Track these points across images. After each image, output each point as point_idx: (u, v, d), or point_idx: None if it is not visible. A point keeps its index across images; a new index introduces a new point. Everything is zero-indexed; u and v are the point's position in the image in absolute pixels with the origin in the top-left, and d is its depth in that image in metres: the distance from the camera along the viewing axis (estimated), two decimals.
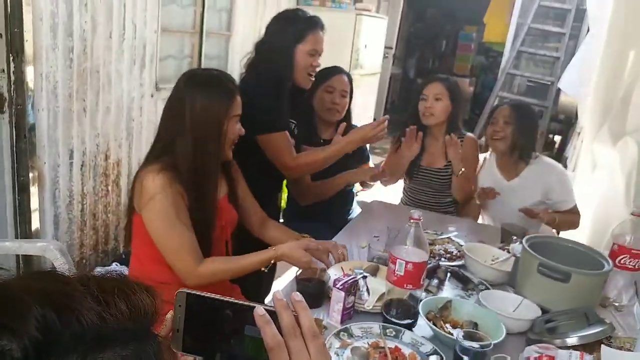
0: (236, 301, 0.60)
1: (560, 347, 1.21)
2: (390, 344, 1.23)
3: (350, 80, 2.34)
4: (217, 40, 3.72)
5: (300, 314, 0.58)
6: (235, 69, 3.86)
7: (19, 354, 0.38)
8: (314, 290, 1.42)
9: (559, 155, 5.67)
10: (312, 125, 2.26)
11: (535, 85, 6.46)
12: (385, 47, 5.82)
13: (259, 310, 0.57)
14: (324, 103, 2.24)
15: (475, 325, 1.32)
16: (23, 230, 2.52)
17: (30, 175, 2.46)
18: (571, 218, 2.22)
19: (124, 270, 1.67)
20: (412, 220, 1.32)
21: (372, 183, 2.28)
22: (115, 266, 2.86)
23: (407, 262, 1.30)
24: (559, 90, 5.39)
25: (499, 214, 2.25)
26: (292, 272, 1.51)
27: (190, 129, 1.41)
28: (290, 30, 1.86)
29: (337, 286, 1.32)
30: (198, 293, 0.60)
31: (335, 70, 2.27)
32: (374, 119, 5.36)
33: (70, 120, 2.58)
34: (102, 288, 0.45)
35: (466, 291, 1.60)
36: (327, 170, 2.09)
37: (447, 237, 1.97)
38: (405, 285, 1.32)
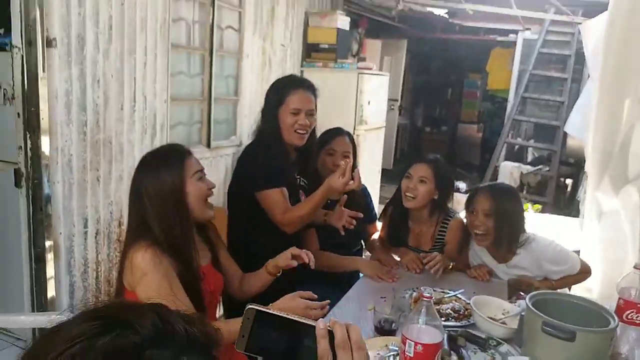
0: (298, 319, 0.75)
1: None
2: None
3: (352, 140, 2.39)
4: (225, 105, 3.86)
5: (350, 330, 0.76)
6: (244, 131, 3.98)
7: (139, 341, 0.55)
8: None
9: (571, 200, 5.63)
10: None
11: (543, 129, 6.49)
12: (390, 100, 5.95)
13: (321, 323, 0.74)
14: (326, 166, 2.29)
15: None
16: (39, 299, 2.56)
17: (46, 245, 2.53)
18: (575, 279, 2.13)
19: None
20: (423, 299, 1.27)
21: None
22: None
23: (416, 343, 1.25)
24: (566, 133, 5.39)
25: None
26: None
27: (152, 209, 1.49)
28: (274, 95, 2.09)
29: None
30: (266, 310, 0.74)
31: (335, 132, 2.34)
32: (382, 170, 5.42)
33: (85, 190, 2.67)
34: (182, 312, 0.62)
35: (485, 352, 1.57)
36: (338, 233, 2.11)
37: (454, 296, 1.96)
38: None
